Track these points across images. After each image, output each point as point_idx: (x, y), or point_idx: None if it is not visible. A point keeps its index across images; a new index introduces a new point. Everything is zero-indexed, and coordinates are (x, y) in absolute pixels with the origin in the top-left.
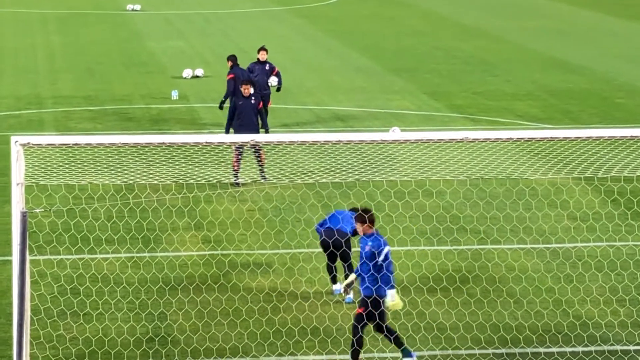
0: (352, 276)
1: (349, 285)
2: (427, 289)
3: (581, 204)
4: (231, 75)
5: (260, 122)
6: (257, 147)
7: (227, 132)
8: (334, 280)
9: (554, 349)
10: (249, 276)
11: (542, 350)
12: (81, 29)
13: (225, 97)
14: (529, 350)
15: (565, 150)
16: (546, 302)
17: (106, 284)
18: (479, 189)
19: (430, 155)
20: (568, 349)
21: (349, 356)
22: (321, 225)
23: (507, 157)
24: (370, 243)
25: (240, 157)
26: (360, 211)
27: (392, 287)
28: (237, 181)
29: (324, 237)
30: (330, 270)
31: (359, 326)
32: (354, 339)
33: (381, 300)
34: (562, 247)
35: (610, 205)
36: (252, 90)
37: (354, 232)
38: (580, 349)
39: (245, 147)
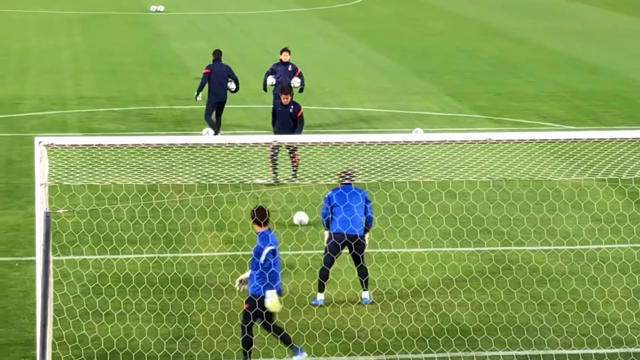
0: (247, 273)
1: (242, 281)
2: (450, 291)
3: (605, 206)
4: (207, 70)
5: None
6: (292, 149)
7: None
8: (322, 289)
9: (579, 352)
10: None
11: (566, 352)
12: (105, 30)
13: (198, 91)
14: (553, 352)
15: (589, 152)
16: (570, 304)
17: (128, 284)
18: (503, 190)
19: (454, 156)
20: (593, 352)
21: (371, 357)
22: (329, 208)
23: (531, 158)
24: (258, 241)
25: (275, 157)
26: (255, 209)
27: (272, 287)
28: (275, 179)
29: (332, 240)
30: (326, 276)
31: (245, 326)
32: (242, 338)
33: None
34: (586, 248)
35: (635, 206)
36: (290, 99)
37: (365, 231)
38: (605, 351)
39: (280, 148)
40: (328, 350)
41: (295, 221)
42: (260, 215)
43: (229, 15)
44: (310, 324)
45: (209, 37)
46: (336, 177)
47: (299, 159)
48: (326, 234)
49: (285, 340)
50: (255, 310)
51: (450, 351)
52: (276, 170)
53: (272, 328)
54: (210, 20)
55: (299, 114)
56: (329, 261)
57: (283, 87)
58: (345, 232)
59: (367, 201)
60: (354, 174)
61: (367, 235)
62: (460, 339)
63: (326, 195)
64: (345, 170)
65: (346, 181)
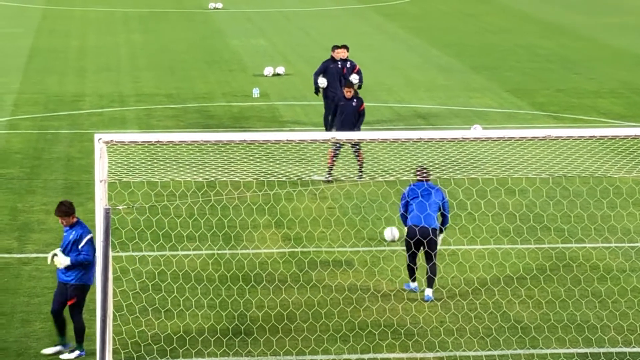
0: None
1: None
2: (511, 289)
3: None
4: None
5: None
6: (357, 147)
7: (330, 128)
8: (412, 279)
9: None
10: (329, 275)
11: (627, 350)
12: (163, 28)
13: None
14: (613, 350)
15: None
16: (631, 302)
17: (187, 281)
18: (562, 187)
19: (513, 153)
20: None
21: (429, 355)
22: (405, 208)
23: (591, 155)
24: (80, 231)
25: (336, 154)
26: (66, 205)
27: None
28: (329, 178)
29: (405, 237)
30: (412, 270)
31: (82, 316)
32: (78, 328)
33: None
34: None
35: None
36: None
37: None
38: None
39: (343, 146)
40: (387, 349)
41: (387, 237)
42: (72, 207)
43: (286, 12)
44: (370, 322)
45: (267, 34)
46: (410, 174)
47: (363, 157)
48: (405, 229)
49: (60, 330)
50: (83, 297)
51: (511, 350)
52: (332, 170)
53: (60, 314)
54: (268, 17)
55: (362, 108)
56: (409, 259)
57: (346, 83)
58: (417, 228)
59: (442, 199)
60: (427, 171)
61: (441, 235)
62: (521, 338)
63: (403, 193)
64: (418, 167)
65: (418, 178)
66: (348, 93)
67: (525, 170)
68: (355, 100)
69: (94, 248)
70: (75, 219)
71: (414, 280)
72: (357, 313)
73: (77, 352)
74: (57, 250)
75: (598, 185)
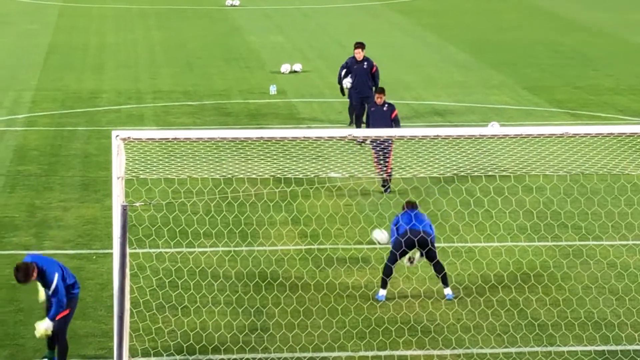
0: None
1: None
2: (528, 287)
3: None
4: None
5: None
6: (386, 147)
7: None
8: (385, 285)
9: None
10: (346, 272)
11: None
12: (181, 24)
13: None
14: (630, 348)
15: None
16: None
17: (204, 277)
18: (580, 184)
19: (530, 150)
20: None
21: (446, 352)
22: (396, 224)
23: (608, 152)
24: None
25: (377, 156)
26: (22, 270)
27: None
28: (384, 178)
29: (408, 235)
30: (389, 272)
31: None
32: (62, 345)
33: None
34: None
35: None
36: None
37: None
38: None
39: (378, 146)
40: (404, 345)
41: (377, 238)
42: (27, 268)
43: (304, 9)
44: (386, 319)
45: (285, 30)
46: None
47: (391, 167)
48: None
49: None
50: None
51: (529, 347)
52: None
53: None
54: (286, 14)
55: (394, 115)
56: (390, 259)
57: (377, 89)
58: (409, 229)
59: (430, 227)
60: (416, 204)
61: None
62: (538, 335)
63: (394, 217)
64: (406, 202)
65: (411, 205)
66: (379, 99)
67: (543, 168)
68: (386, 105)
69: (62, 285)
70: (36, 273)
71: (385, 286)
72: (374, 310)
73: None
74: (37, 324)
75: (616, 183)
